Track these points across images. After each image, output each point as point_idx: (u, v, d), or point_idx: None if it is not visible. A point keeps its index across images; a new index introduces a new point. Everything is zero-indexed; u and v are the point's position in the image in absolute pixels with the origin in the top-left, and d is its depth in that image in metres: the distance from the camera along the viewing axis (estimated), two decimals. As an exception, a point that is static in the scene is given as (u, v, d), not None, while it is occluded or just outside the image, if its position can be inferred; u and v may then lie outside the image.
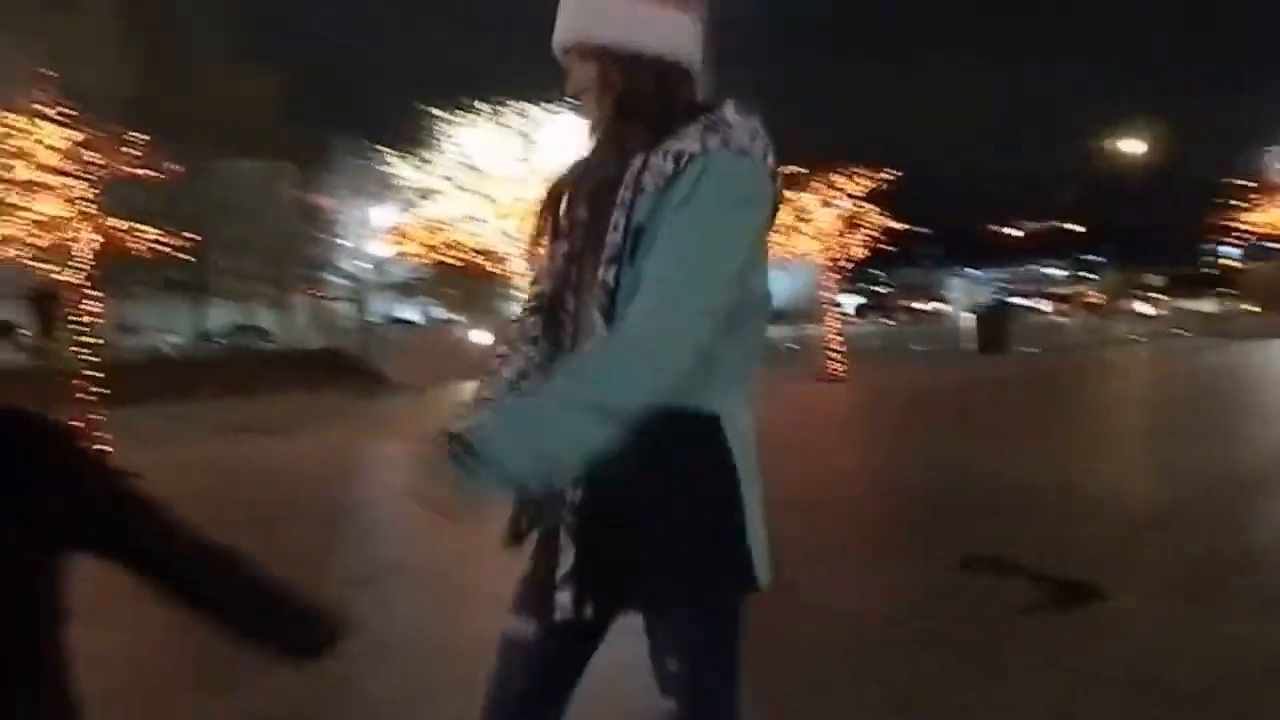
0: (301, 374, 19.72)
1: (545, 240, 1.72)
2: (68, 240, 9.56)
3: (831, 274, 18.44)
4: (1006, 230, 67.47)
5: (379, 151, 17.60)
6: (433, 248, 17.21)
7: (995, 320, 24.43)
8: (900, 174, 17.20)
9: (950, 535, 5.33)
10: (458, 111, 15.78)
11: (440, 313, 46.57)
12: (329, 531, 6.31)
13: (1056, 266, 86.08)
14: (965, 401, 13.52)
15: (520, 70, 15.48)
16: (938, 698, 3.28)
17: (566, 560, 1.51)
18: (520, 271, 16.39)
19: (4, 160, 9.44)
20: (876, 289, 70.74)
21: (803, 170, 16.24)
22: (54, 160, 9.46)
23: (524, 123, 15.59)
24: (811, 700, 3.21)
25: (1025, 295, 49.02)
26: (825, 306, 18.29)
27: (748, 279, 1.53)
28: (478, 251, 16.52)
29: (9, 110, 9.60)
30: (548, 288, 1.68)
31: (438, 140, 16.18)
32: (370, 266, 31.43)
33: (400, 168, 16.71)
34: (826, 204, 17.14)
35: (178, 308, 35.69)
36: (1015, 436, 9.69)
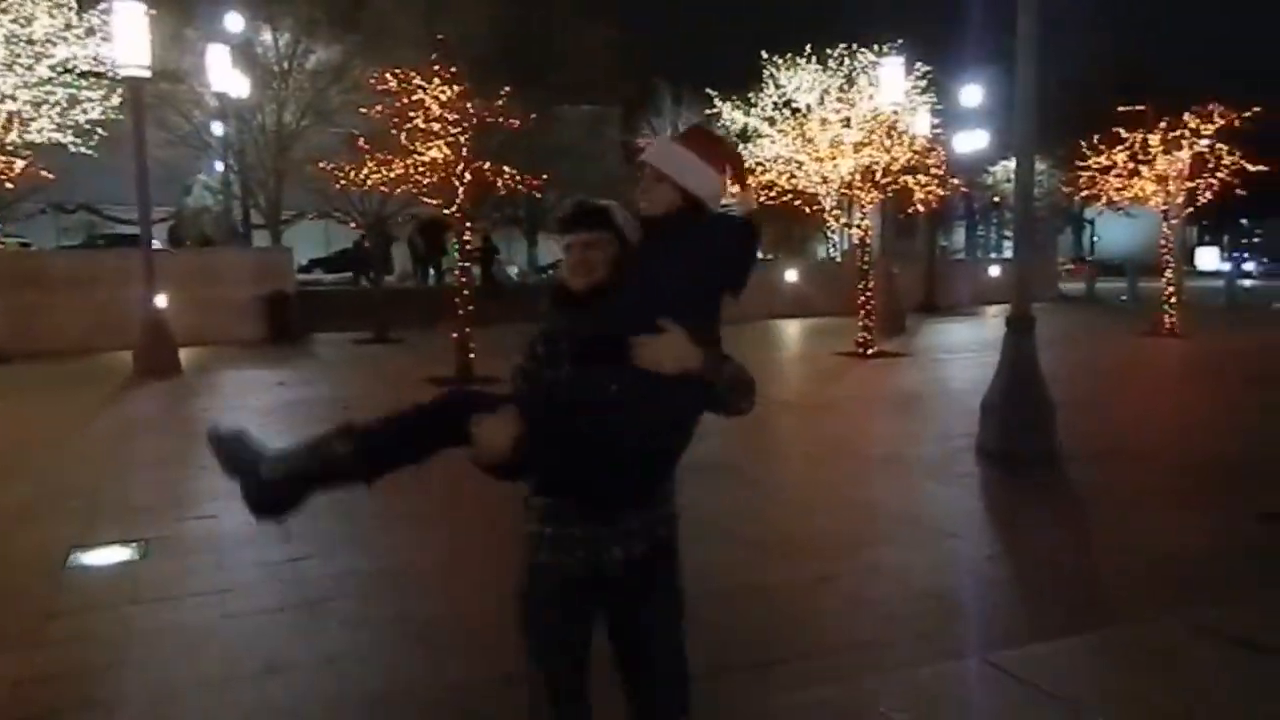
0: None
1: None
2: (452, 179, 11.18)
3: (1175, 222, 16.99)
4: None
5: (704, 94, 18.37)
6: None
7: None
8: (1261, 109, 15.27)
9: (1253, 493, 5.27)
10: (787, 56, 16.19)
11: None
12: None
13: None
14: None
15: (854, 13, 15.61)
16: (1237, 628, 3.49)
17: None
18: (833, 213, 16.60)
19: (402, 112, 11.18)
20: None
21: (1141, 108, 15.11)
22: (441, 111, 11.08)
23: (848, 66, 15.67)
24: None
25: None
26: (1167, 258, 16.84)
27: None
28: (793, 193, 16.85)
29: (405, 69, 11.30)
30: None
31: (765, 84, 16.66)
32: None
33: (723, 109, 17.41)
34: (1170, 145, 15.73)
35: (517, 241, 39.19)
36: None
